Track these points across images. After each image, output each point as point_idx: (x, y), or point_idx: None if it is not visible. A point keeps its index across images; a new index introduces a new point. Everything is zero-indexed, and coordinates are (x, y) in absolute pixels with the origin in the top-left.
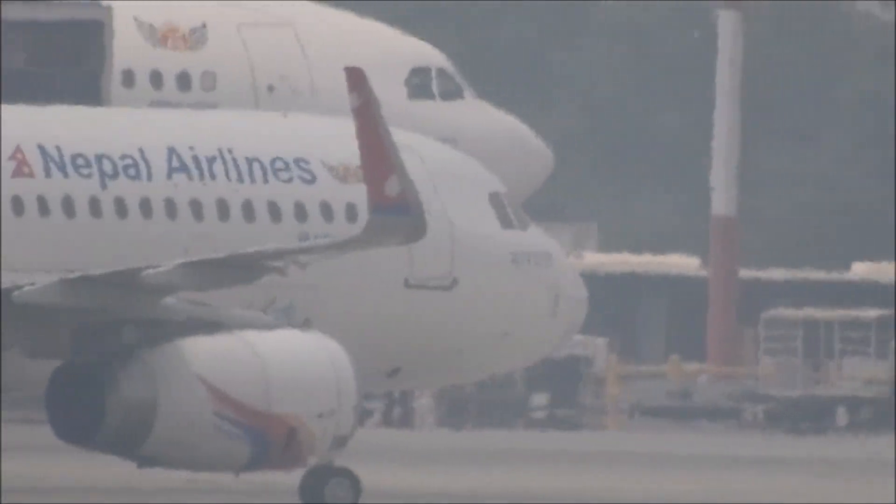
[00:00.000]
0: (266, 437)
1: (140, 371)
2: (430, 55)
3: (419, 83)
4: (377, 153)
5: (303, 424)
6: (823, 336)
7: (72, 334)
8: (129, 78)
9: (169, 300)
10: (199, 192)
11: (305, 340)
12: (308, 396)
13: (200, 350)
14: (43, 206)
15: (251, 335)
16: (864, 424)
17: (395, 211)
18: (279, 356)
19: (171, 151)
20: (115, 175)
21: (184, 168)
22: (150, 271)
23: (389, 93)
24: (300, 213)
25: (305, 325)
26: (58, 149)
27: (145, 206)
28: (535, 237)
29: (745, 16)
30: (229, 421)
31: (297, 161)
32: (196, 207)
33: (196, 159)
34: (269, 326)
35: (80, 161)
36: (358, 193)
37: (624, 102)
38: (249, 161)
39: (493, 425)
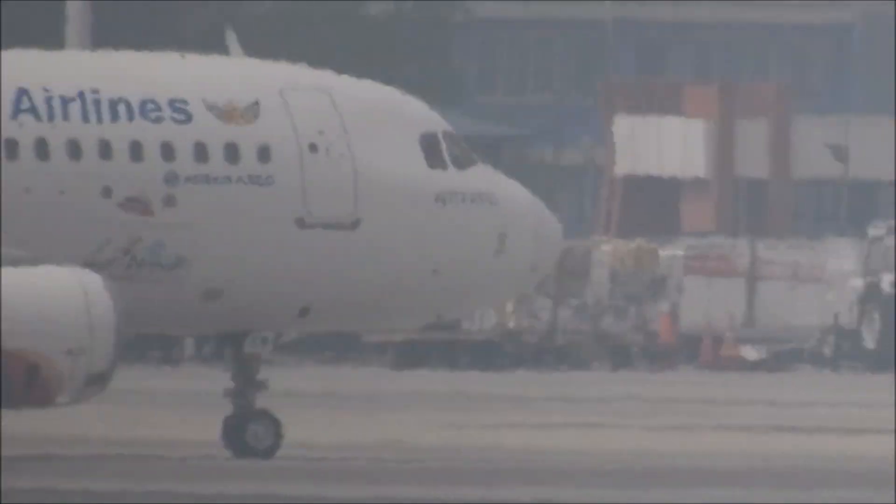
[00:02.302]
0: (2, 375)
1: None
2: None
3: None
4: None
5: (46, 361)
6: None
7: None
8: None
9: None
10: (46, 132)
11: (52, 274)
12: (51, 332)
13: None
14: None
15: None
16: None
17: None
18: (16, 290)
19: (22, 92)
20: None
21: (32, 110)
22: None
23: None
24: (167, 153)
25: (178, 264)
26: None
27: None
28: (475, 177)
29: None
30: None
31: (172, 101)
32: (41, 147)
33: (49, 100)
34: (17, 261)
35: None
36: (243, 133)
37: None
38: (114, 102)
39: None
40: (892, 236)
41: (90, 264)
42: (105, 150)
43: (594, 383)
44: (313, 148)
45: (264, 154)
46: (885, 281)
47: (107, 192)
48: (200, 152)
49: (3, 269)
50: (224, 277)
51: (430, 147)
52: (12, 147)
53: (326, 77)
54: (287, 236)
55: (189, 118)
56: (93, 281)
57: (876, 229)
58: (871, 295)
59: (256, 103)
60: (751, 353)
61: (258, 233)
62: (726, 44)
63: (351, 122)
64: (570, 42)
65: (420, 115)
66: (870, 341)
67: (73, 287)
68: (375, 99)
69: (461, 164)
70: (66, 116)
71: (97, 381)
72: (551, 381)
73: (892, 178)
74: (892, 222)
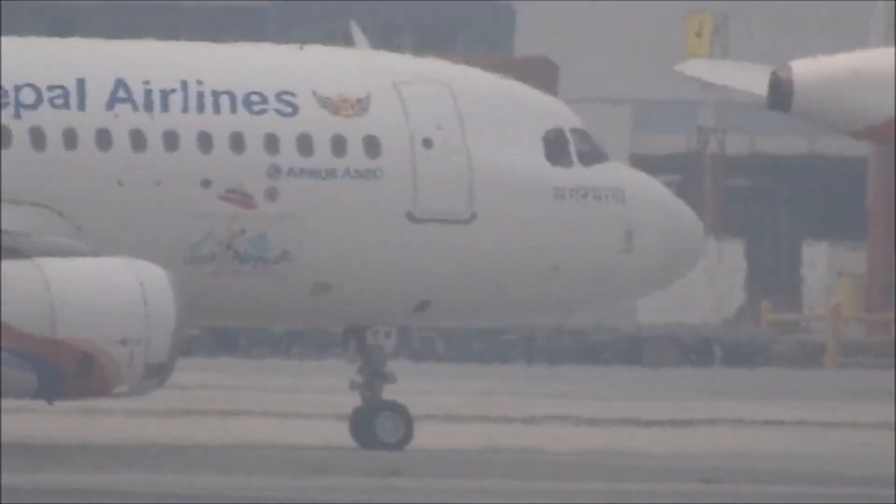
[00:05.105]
0: (54, 364)
1: None
2: None
3: None
4: None
5: (100, 350)
6: None
7: None
8: None
9: None
10: (143, 123)
11: (111, 266)
12: (105, 322)
13: None
14: None
15: (45, 261)
16: None
17: None
18: (71, 281)
19: (119, 83)
20: (37, 105)
21: (129, 100)
22: None
23: None
24: (271, 144)
25: (284, 257)
26: None
27: (69, 137)
28: (602, 174)
29: None
30: (9, 350)
31: (278, 94)
32: (137, 138)
33: (148, 92)
34: (75, 253)
35: None
36: (351, 127)
37: None
38: (217, 94)
39: None
40: None
41: (192, 260)
42: (205, 141)
43: None
44: (427, 142)
45: (373, 148)
46: None
47: (206, 184)
48: (305, 145)
49: (58, 260)
50: (332, 271)
51: (554, 142)
52: (105, 138)
53: (449, 69)
54: (397, 230)
55: (295, 110)
56: (152, 273)
57: None
58: None
59: (368, 96)
60: None
61: (366, 226)
62: None
63: (469, 117)
64: None
65: (546, 109)
66: None
67: (129, 278)
68: (497, 93)
69: (588, 160)
70: (164, 108)
71: (156, 372)
72: None
73: None
74: None
